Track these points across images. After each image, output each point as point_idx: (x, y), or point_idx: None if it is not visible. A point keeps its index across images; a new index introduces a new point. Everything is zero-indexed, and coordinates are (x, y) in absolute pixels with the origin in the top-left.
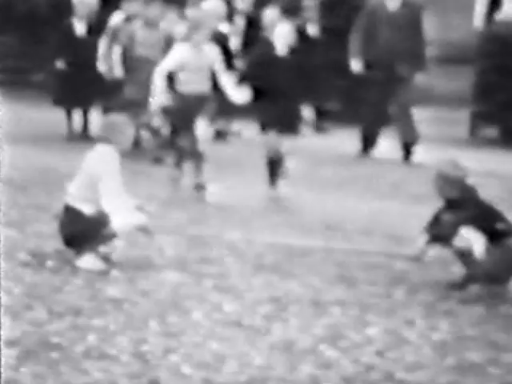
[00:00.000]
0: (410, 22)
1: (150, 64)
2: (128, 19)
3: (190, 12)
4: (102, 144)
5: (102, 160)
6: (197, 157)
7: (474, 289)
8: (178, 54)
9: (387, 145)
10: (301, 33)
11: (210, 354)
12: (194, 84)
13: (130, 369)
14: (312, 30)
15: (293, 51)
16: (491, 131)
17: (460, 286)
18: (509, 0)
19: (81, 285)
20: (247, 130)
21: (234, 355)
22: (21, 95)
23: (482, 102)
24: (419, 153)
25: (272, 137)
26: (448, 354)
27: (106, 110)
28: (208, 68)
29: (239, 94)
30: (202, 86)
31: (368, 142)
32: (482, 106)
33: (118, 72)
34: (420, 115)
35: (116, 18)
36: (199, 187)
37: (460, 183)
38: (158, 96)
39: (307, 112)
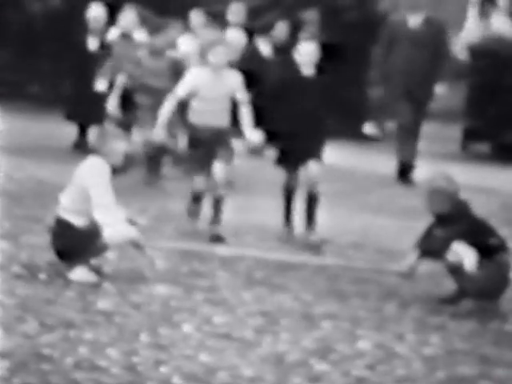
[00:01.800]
0: (431, 39)
1: (157, 94)
2: (124, 36)
3: (201, 31)
4: (93, 156)
5: (92, 172)
6: (215, 203)
7: (466, 304)
8: (193, 78)
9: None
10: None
11: (201, 367)
12: (209, 116)
13: (120, 381)
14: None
15: (319, 71)
16: (483, 147)
17: (451, 300)
18: (497, 16)
19: (73, 297)
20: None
21: (225, 368)
22: (17, 108)
23: (474, 117)
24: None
25: (290, 172)
26: (439, 369)
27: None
28: (227, 97)
29: (255, 134)
30: (220, 119)
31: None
32: (474, 122)
33: (114, 111)
34: None
35: (112, 34)
36: (215, 238)
37: (452, 197)
38: (160, 127)
39: None
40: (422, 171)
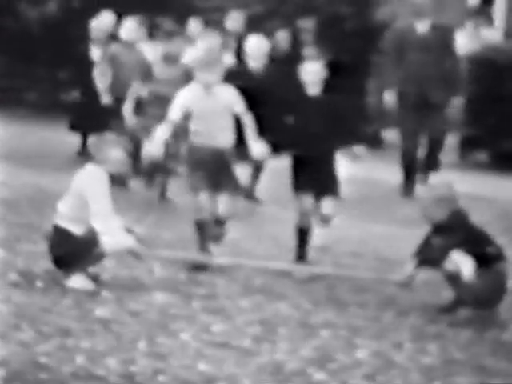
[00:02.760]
0: (441, 44)
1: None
2: (127, 45)
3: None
4: (91, 164)
5: (90, 180)
6: (214, 237)
7: (463, 313)
8: (183, 99)
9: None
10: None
11: (199, 375)
12: (208, 136)
13: None
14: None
15: (326, 89)
16: (481, 155)
17: (449, 309)
18: (488, 27)
19: (70, 305)
20: None
21: (223, 376)
22: (13, 114)
23: (472, 126)
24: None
25: (307, 201)
26: (436, 378)
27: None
28: (226, 114)
29: (260, 148)
30: (220, 139)
31: (409, 173)
32: (472, 131)
33: (131, 122)
34: None
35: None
36: (199, 268)
37: (451, 205)
38: (150, 147)
39: None
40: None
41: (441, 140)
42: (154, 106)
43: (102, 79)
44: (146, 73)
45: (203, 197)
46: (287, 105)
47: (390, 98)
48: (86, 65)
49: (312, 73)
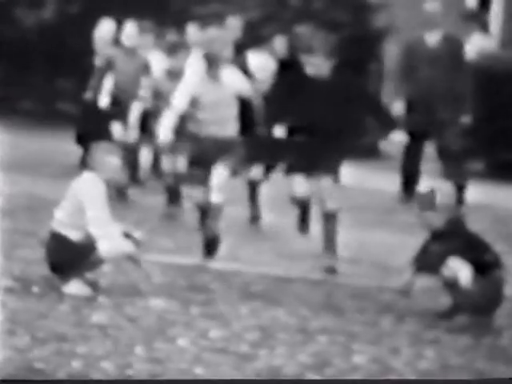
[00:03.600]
0: (451, 57)
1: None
2: (127, 51)
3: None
4: (88, 171)
5: (87, 186)
6: (210, 213)
7: (461, 319)
8: (189, 85)
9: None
10: None
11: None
12: (214, 125)
13: None
14: None
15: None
16: (478, 164)
17: (446, 315)
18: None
19: (67, 311)
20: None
21: (220, 382)
22: (10, 123)
23: (469, 135)
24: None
25: (299, 179)
26: (433, 383)
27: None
28: (232, 101)
29: (277, 130)
30: (226, 128)
31: (409, 183)
32: (469, 140)
33: (134, 136)
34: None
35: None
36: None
37: (449, 213)
38: (164, 135)
39: None
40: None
41: (454, 156)
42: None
43: (101, 82)
44: (150, 87)
45: (199, 193)
46: (291, 87)
47: (397, 107)
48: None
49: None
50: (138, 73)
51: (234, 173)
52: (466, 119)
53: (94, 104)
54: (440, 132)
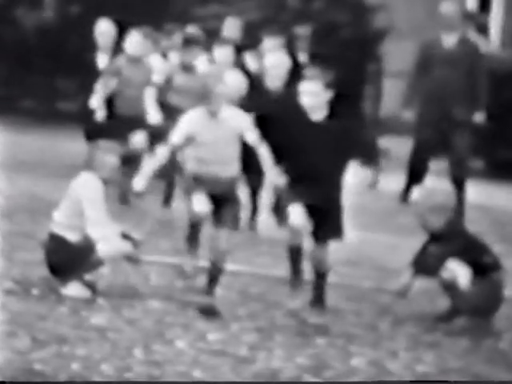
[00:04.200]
0: (468, 60)
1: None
2: (133, 60)
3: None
4: (86, 171)
5: (85, 187)
6: (211, 273)
7: (460, 321)
8: (186, 124)
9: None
10: None
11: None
12: (213, 165)
13: None
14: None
15: (331, 114)
16: (477, 164)
17: (445, 318)
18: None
19: (66, 313)
20: None
21: None
22: (10, 122)
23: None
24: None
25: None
26: None
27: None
28: (233, 141)
29: (280, 178)
30: (226, 168)
31: (413, 183)
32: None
33: (156, 118)
34: (404, 147)
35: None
36: (207, 311)
37: (448, 214)
38: (143, 176)
39: None
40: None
41: (464, 158)
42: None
43: (101, 91)
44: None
45: (200, 199)
46: (289, 132)
47: (408, 117)
48: (94, 74)
49: (313, 95)
50: (143, 81)
51: (235, 227)
52: (479, 117)
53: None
54: (452, 133)
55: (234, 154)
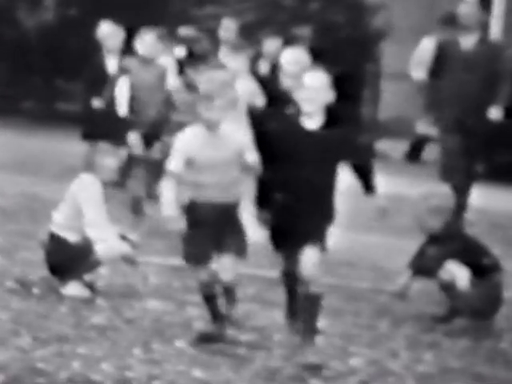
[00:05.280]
0: (488, 63)
1: None
2: (144, 61)
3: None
4: (85, 172)
5: (84, 188)
6: (225, 292)
7: (459, 322)
8: (183, 145)
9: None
10: None
11: (194, 382)
12: (212, 190)
13: None
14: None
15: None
16: (477, 167)
17: (444, 319)
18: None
19: (66, 312)
20: None
21: (218, 383)
22: (10, 123)
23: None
24: (404, 186)
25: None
26: None
27: None
28: (234, 163)
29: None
30: (226, 193)
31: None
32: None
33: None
34: (401, 150)
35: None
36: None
37: (445, 215)
38: (168, 214)
39: None
40: (416, 190)
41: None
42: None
43: (120, 92)
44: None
45: (204, 272)
46: (277, 140)
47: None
48: (102, 76)
49: (311, 92)
50: (155, 82)
51: (241, 255)
52: (495, 113)
53: (107, 112)
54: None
55: (235, 176)
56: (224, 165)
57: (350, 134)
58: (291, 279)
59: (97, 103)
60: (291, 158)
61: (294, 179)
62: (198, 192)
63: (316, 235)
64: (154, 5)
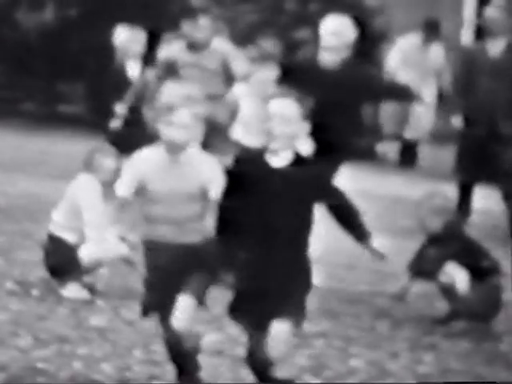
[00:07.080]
0: None
1: None
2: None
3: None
4: (84, 173)
5: (83, 189)
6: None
7: (459, 324)
8: (134, 168)
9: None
10: None
11: None
12: (169, 227)
13: None
14: None
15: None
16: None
17: (444, 321)
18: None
19: (66, 313)
20: None
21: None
22: (11, 124)
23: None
24: (404, 186)
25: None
26: None
27: None
28: (197, 195)
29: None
30: (188, 232)
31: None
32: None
33: None
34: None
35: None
36: None
37: (446, 216)
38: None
39: None
40: (417, 191)
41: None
42: None
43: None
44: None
45: (166, 323)
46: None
47: (456, 124)
48: (124, 81)
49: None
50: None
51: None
52: None
53: (131, 121)
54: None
55: (197, 209)
56: (183, 198)
57: (322, 171)
58: (260, 363)
59: (119, 109)
60: (255, 200)
61: (259, 226)
62: (151, 228)
63: (288, 302)
64: (154, 6)
